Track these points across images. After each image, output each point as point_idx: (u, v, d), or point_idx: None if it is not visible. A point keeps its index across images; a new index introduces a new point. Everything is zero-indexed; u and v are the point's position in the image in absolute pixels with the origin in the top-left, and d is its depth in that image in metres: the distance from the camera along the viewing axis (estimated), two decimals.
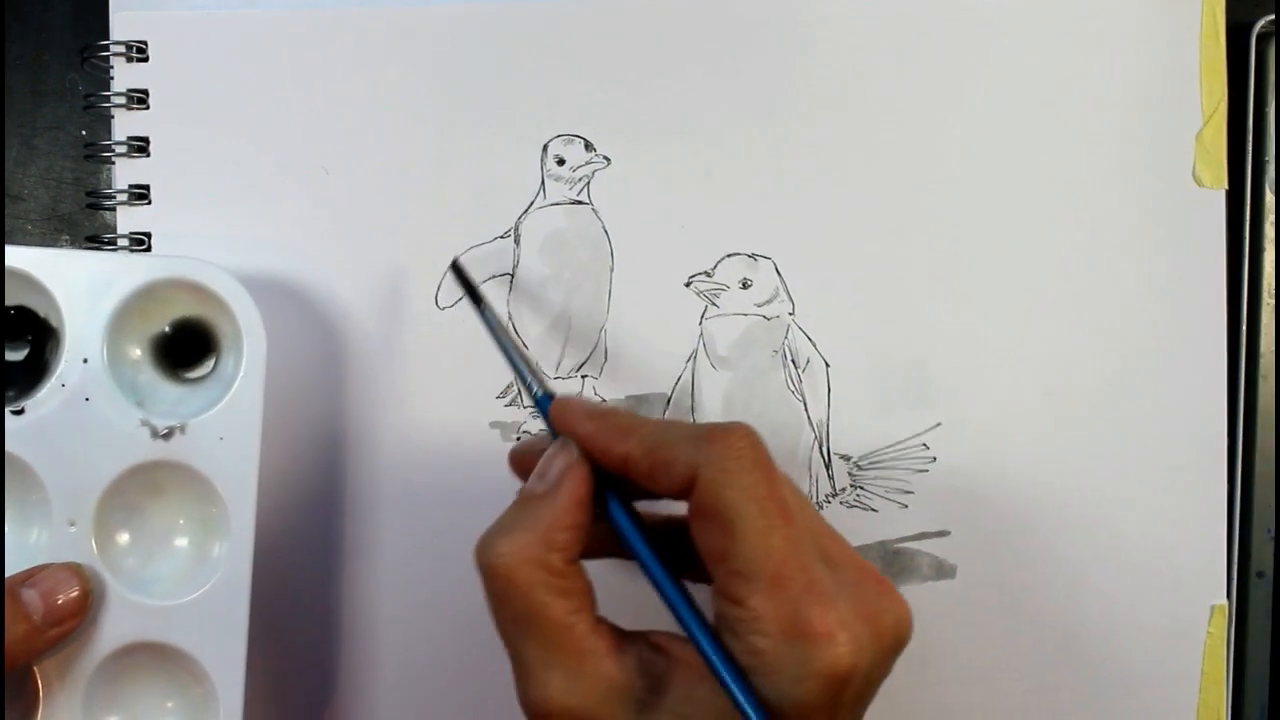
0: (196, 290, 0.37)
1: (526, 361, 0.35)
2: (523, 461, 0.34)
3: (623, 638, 0.30)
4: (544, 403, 0.34)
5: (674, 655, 0.30)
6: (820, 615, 0.27)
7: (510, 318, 0.42)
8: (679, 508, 0.30)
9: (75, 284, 0.37)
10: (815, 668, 0.27)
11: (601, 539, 0.32)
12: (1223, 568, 0.42)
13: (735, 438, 0.29)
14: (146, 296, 0.37)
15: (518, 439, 0.41)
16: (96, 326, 0.37)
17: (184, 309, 0.38)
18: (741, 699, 0.28)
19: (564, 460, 0.31)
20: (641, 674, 0.30)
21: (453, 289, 0.41)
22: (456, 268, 0.40)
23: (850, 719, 0.29)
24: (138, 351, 0.38)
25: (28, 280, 0.37)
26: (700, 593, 0.30)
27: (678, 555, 0.31)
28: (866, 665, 0.28)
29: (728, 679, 0.28)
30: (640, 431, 0.30)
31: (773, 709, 0.28)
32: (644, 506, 0.33)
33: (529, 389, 0.34)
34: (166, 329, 0.39)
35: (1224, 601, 0.42)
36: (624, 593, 0.33)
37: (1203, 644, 0.41)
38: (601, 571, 0.32)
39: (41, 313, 0.38)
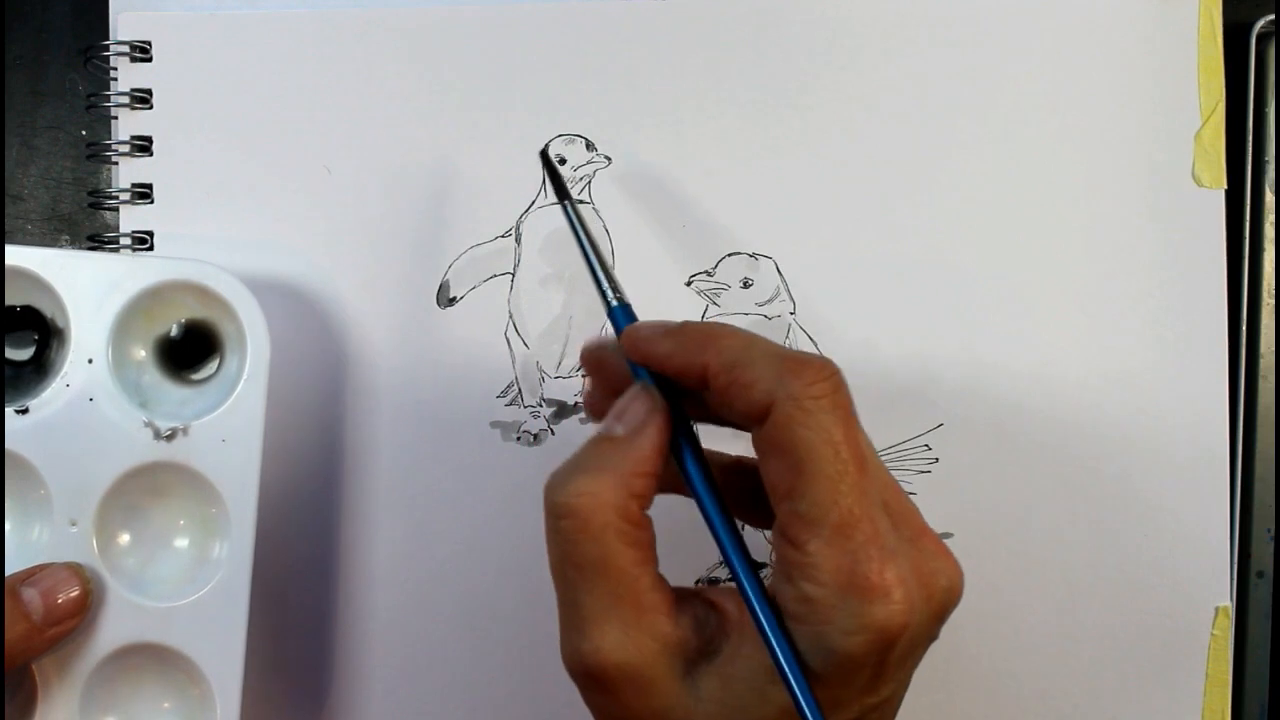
0: (202, 293, 0.37)
1: (605, 267, 0.33)
2: (593, 360, 0.33)
3: (679, 596, 0.29)
4: (618, 314, 0.32)
5: (727, 614, 0.29)
6: (879, 570, 0.27)
7: (511, 317, 0.42)
8: (749, 448, 0.29)
9: (82, 285, 0.37)
10: (867, 622, 0.26)
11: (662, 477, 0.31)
12: (1226, 569, 0.41)
13: (817, 374, 0.28)
14: (152, 298, 0.37)
15: (517, 439, 0.41)
16: (102, 327, 0.37)
17: (189, 311, 0.38)
18: (780, 655, 0.27)
19: (644, 404, 0.30)
20: (695, 633, 0.29)
21: (460, 284, 0.41)
22: (545, 157, 0.38)
23: (894, 680, 0.28)
24: (142, 353, 0.38)
25: (34, 280, 0.37)
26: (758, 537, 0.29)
27: (741, 499, 0.31)
28: (916, 625, 0.27)
29: (770, 634, 0.27)
30: (720, 344, 0.29)
31: (816, 661, 0.27)
32: (715, 442, 0.32)
33: (604, 296, 0.33)
34: (171, 331, 0.39)
35: (1228, 603, 0.41)
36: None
37: (1207, 646, 0.41)
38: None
39: (47, 313, 0.38)
